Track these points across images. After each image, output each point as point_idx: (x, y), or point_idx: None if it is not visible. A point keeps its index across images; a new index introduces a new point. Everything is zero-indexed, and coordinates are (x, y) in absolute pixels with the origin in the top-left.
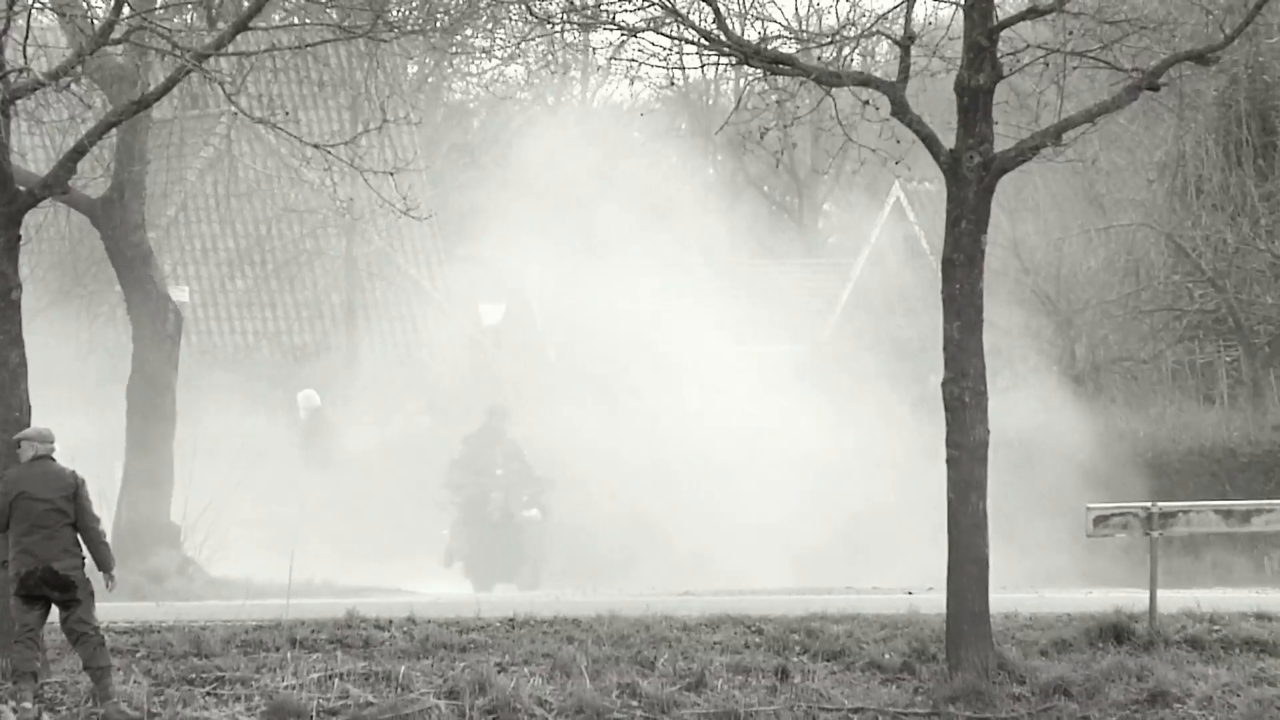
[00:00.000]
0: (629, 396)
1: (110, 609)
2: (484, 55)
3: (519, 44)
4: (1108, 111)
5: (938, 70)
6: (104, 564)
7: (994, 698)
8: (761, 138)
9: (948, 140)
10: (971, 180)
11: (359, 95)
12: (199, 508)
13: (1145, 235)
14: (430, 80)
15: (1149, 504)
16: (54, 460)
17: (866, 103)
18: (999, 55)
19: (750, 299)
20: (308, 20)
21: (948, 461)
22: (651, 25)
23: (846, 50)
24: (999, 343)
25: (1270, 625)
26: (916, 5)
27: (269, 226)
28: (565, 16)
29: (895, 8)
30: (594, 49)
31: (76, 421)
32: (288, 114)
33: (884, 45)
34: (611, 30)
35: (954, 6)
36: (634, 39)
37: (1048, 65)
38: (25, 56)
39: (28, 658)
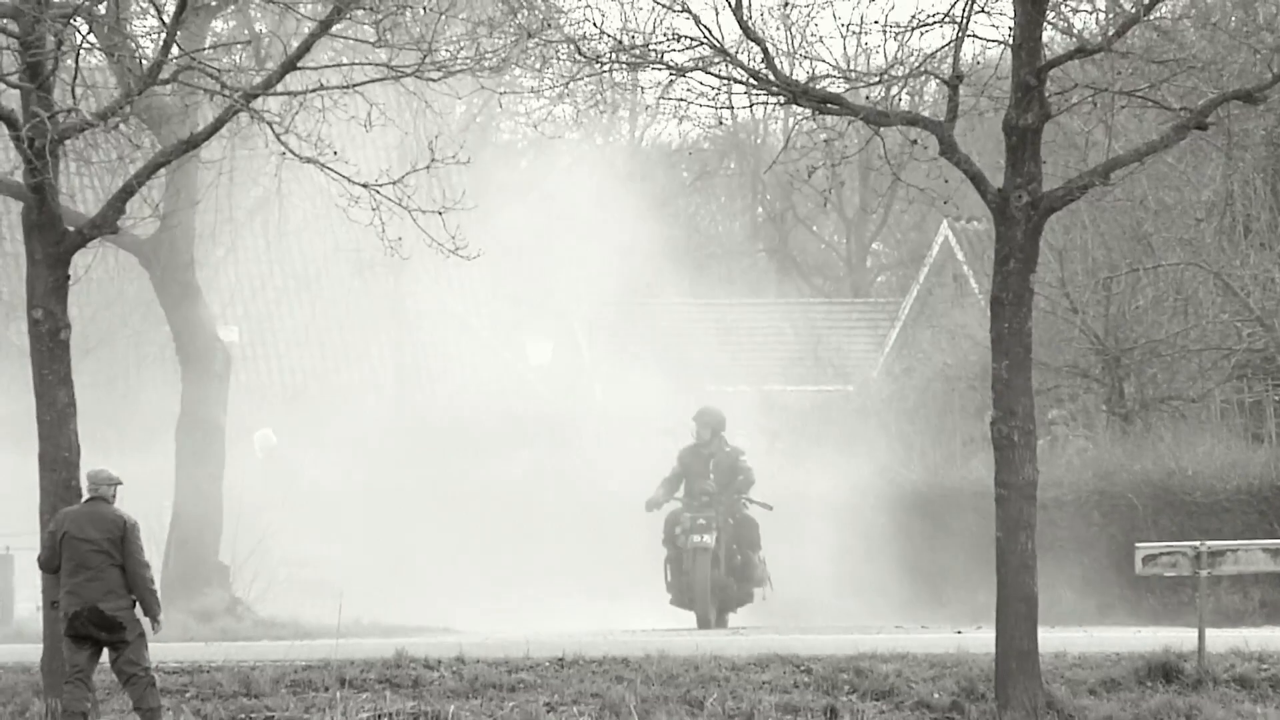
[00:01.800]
0: (665, 438)
1: (159, 649)
2: (532, 95)
3: (567, 84)
4: (1156, 151)
5: (986, 109)
6: (149, 610)
7: None
8: (809, 177)
9: (996, 179)
10: (1020, 219)
11: (407, 135)
12: (248, 547)
13: (1193, 274)
14: (478, 119)
15: (1198, 543)
16: (108, 502)
17: (915, 142)
18: (1047, 95)
19: (799, 338)
20: (356, 60)
21: (996, 500)
22: (700, 65)
23: (894, 90)
24: (1047, 381)
25: None
26: (964, 45)
27: (317, 266)
28: (614, 56)
29: (943, 48)
30: (642, 88)
31: (125, 461)
32: (336, 154)
33: (932, 85)
34: (660, 70)
35: (1002, 46)
36: (682, 79)
37: (1096, 105)
38: (74, 97)
39: (78, 698)
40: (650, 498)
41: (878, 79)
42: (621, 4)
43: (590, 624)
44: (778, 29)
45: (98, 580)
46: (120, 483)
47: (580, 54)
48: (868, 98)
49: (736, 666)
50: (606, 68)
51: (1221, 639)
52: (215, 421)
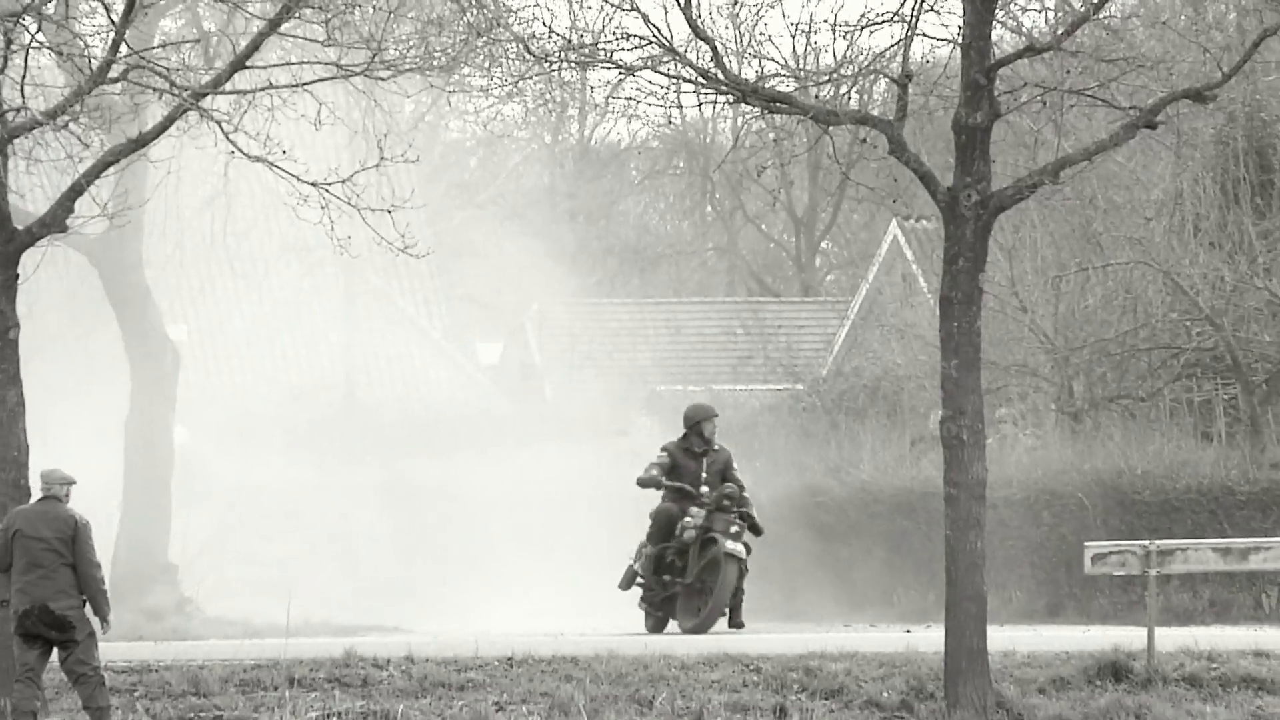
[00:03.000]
0: (623, 438)
1: (108, 649)
2: (481, 93)
3: (516, 82)
4: (1105, 149)
5: (935, 108)
6: (99, 610)
7: None
8: (759, 175)
9: (945, 178)
10: (969, 218)
11: (356, 134)
12: (197, 546)
13: (1143, 273)
14: (427, 118)
15: (1147, 542)
16: (61, 501)
17: (864, 141)
18: (997, 93)
19: (748, 338)
20: (304, 59)
21: (946, 499)
22: (649, 64)
23: (844, 89)
24: (996, 380)
25: (1268, 663)
26: (914, 44)
27: (266, 265)
28: (563, 55)
29: (892, 46)
30: (591, 87)
31: (74, 460)
32: (285, 152)
33: (881, 84)
34: (609, 69)
35: (952, 45)
36: (631, 77)
37: (1045, 104)
38: (23, 95)
39: (28, 697)
40: (647, 476)
41: (827, 78)
42: (570, 3)
43: (542, 623)
44: (727, 28)
45: (48, 579)
46: (74, 482)
47: (529, 53)
48: (817, 96)
49: (685, 665)
50: (555, 67)
51: (1171, 638)
52: (164, 420)
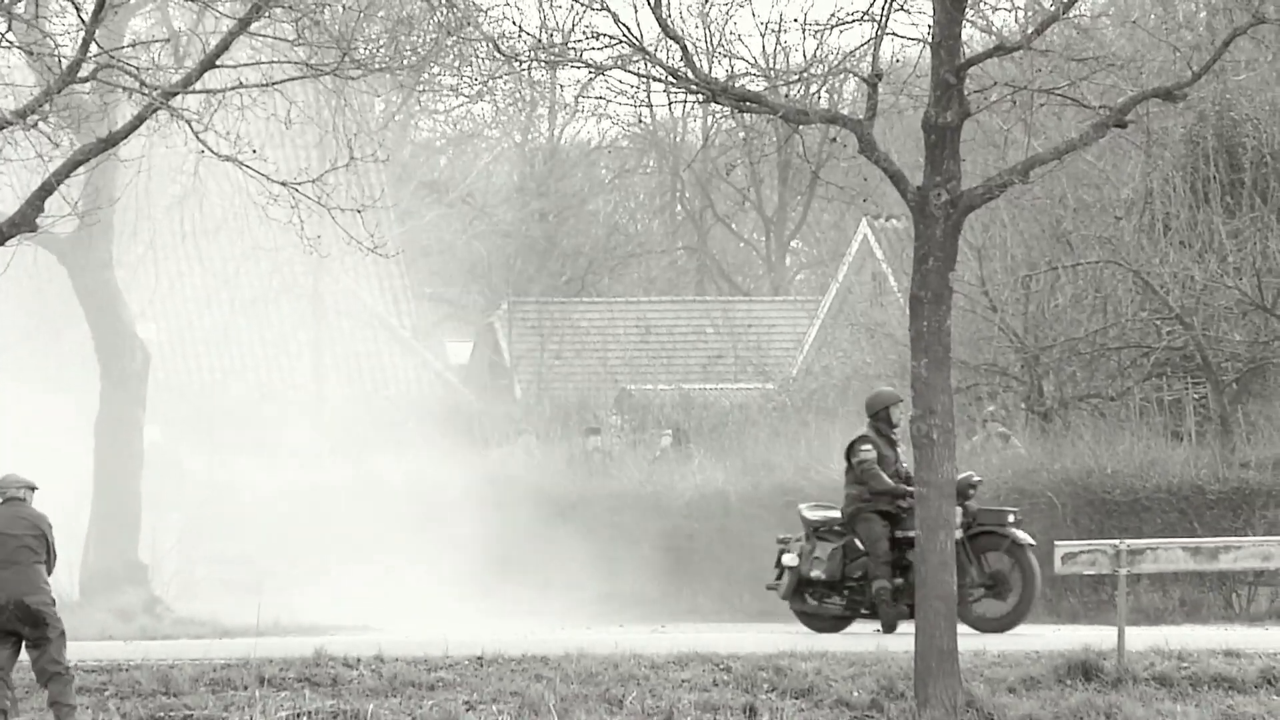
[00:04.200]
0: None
1: (78, 648)
2: (451, 93)
3: (486, 82)
4: (1075, 149)
5: (905, 108)
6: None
7: None
8: (729, 174)
9: (915, 177)
10: (939, 217)
11: (326, 133)
12: (167, 546)
13: (1113, 272)
14: (397, 118)
15: (1117, 541)
16: (25, 502)
17: (834, 140)
18: (966, 93)
19: (718, 337)
20: (275, 58)
21: (915, 498)
22: (619, 63)
23: (814, 88)
24: (967, 380)
25: (1239, 662)
26: (884, 43)
27: (236, 264)
28: (533, 54)
29: (862, 45)
30: (561, 86)
31: (44, 460)
32: (255, 152)
33: (851, 83)
34: (579, 68)
35: (921, 44)
36: (601, 77)
37: (1015, 103)
38: None
39: None
40: (886, 485)
41: (797, 77)
42: (540, 2)
43: (515, 625)
44: (697, 27)
45: (24, 575)
46: (36, 487)
47: (499, 52)
48: (787, 95)
49: (656, 665)
50: (525, 66)
51: (1141, 637)
52: (134, 419)
